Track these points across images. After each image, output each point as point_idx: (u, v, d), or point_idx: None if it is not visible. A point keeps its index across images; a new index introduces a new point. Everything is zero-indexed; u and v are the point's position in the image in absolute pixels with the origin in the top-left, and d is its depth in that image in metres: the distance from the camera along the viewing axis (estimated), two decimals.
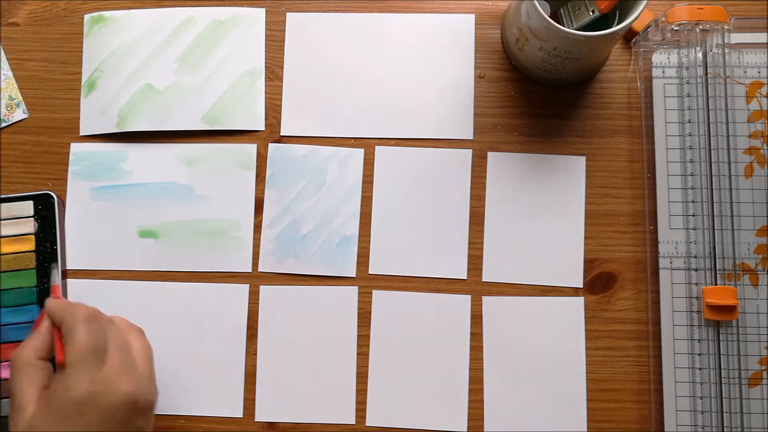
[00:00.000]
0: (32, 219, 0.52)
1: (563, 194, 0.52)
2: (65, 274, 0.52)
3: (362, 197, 0.52)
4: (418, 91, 0.53)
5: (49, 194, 0.52)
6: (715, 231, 0.49)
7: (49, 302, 0.44)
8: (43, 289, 0.51)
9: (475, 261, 0.51)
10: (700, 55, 0.51)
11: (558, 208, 0.52)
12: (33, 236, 0.51)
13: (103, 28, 0.54)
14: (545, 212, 0.52)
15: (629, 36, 0.52)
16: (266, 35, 0.54)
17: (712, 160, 0.50)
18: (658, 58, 0.52)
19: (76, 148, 0.53)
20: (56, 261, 0.50)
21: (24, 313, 0.50)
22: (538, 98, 0.53)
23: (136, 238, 0.52)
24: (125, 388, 0.40)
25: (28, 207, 0.52)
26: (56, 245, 0.51)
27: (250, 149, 0.53)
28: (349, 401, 0.50)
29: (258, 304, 0.52)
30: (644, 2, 0.44)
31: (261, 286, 0.52)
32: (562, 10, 0.49)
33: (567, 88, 0.53)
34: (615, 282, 0.51)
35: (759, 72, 0.51)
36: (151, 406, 0.42)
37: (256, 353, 0.51)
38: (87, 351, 0.40)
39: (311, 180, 0.53)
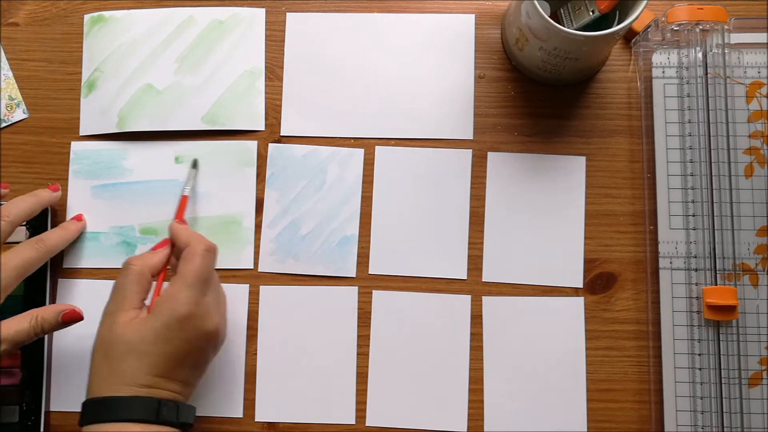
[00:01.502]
0: (24, 228, 0.51)
1: (563, 194, 0.52)
2: (60, 274, 0.52)
3: (362, 197, 0.52)
4: (418, 91, 0.53)
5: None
6: (715, 231, 0.49)
7: (179, 228, 0.48)
8: (31, 299, 0.50)
9: (475, 261, 0.51)
10: (700, 55, 0.51)
11: (558, 208, 0.52)
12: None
13: (103, 28, 0.54)
14: (545, 212, 0.52)
15: (629, 36, 0.52)
16: (266, 35, 0.54)
17: (712, 160, 0.50)
18: (658, 58, 0.52)
19: (76, 146, 0.53)
20: (195, 166, 0.52)
21: None
22: (538, 98, 0.53)
23: (137, 236, 0.52)
24: (216, 321, 0.44)
25: None
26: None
27: (251, 146, 0.53)
28: (349, 401, 0.50)
29: (258, 304, 0.52)
30: (644, 2, 0.44)
31: (261, 286, 0.52)
32: (562, 10, 0.49)
33: (567, 88, 0.53)
34: (615, 282, 0.51)
35: (759, 72, 0.51)
36: (222, 345, 0.47)
37: (256, 353, 0.51)
38: (199, 277, 0.44)
39: (311, 180, 0.53)
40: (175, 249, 0.47)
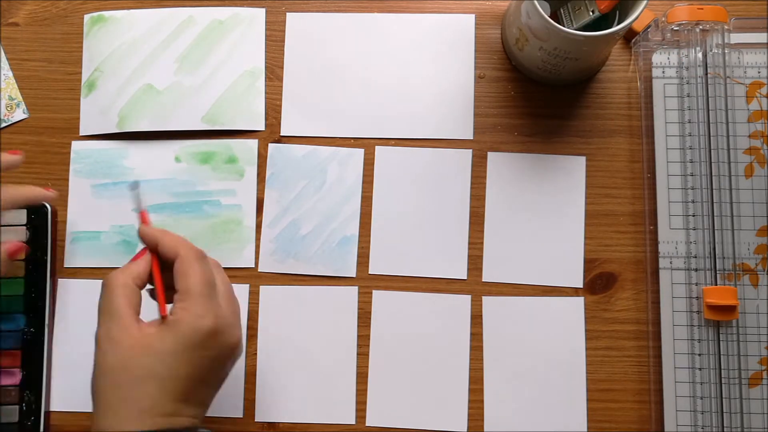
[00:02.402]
0: (24, 227, 0.51)
1: (563, 194, 0.52)
2: (57, 274, 0.52)
3: (362, 197, 0.52)
4: (418, 91, 0.53)
5: (43, 204, 0.52)
6: (715, 231, 0.49)
7: (148, 231, 0.42)
8: (31, 299, 0.51)
9: (475, 261, 0.51)
10: (700, 55, 0.51)
11: (558, 208, 0.52)
12: (24, 245, 0.51)
13: (103, 28, 0.54)
14: (545, 212, 0.52)
15: (629, 36, 0.52)
16: (266, 35, 0.54)
17: (712, 160, 0.50)
18: (658, 58, 0.52)
19: (77, 145, 0.53)
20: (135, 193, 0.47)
21: (11, 321, 0.50)
22: (538, 98, 0.53)
23: (137, 235, 0.52)
24: (238, 333, 0.41)
25: (21, 215, 0.52)
26: (47, 255, 0.51)
27: (251, 144, 0.53)
28: (349, 401, 0.50)
29: (258, 304, 0.52)
30: (644, 2, 0.44)
31: (261, 286, 0.52)
32: (562, 10, 0.49)
33: (567, 88, 0.53)
34: (615, 282, 0.51)
35: (759, 72, 0.51)
36: (239, 357, 0.42)
37: (256, 353, 0.51)
38: (206, 283, 0.39)
39: (311, 180, 0.53)
40: (159, 255, 0.42)
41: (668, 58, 0.51)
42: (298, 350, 0.51)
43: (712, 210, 0.49)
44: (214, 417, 0.50)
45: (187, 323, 0.38)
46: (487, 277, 0.51)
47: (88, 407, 0.50)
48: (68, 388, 0.51)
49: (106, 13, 0.55)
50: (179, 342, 0.37)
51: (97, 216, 0.53)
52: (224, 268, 0.51)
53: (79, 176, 0.53)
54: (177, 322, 0.38)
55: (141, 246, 0.43)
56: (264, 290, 0.52)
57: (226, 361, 0.40)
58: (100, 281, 0.51)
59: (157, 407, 0.37)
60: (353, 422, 0.50)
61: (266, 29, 0.54)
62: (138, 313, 0.40)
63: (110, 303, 0.39)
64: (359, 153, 0.53)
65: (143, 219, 0.44)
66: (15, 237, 0.51)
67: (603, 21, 0.48)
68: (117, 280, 0.40)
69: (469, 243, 0.52)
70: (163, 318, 0.39)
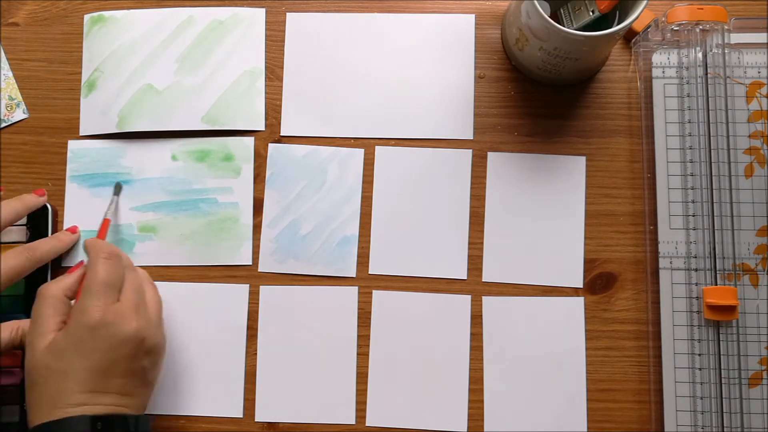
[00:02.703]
0: (24, 228, 0.51)
1: (563, 194, 0.52)
2: (60, 274, 0.52)
3: (362, 197, 0.52)
4: (418, 91, 0.53)
5: (43, 204, 0.52)
6: (715, 231, 0.49)
7: (87, 240, 0.46)
8: (31, 298, 0.50)
9: (475, 261, 0.51)
10: (700, 55, 0.51)
11: (558, 208, 0.52)
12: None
13: (103, 28, 0.54)
14: (545, 212, 0.52)
15: (629, 36, 0.52)
16: (266, 35, 0.54)
17: (712, 160, 0.50)
18: (658, 58, 0.52)
19: (73, 145, 0.53)
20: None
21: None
22: (538, 98, 0.53)
23: (135, 234, 0.52)
24: (134, 325, 0.42)
25: None
26: None
27: (248, 142, 0.53)
28: (349, 401, 0.50)
29: (258, 304, 0.52)
30: (644, 2, 0.44)
31: (261, 286, 0.52)
32: (562, 10, 0.49)
33: (567, 88, 0.53)
34: (615, 282, 0.51)
35: (759, 72, 0.51)
36: (157, 349, 0.45)
37: (256, 353, 0.51)
38: (103, 283, 0.43)
39: (311, 180, 0.53)
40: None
41: (668, 58, 0.51)
42: (298, 350, 0.51)
43: (712, 210, 0.49)
44: (214, 417, 0.50)
45: (73, 319, 0.42)
46: (487, 277, 0.51)
47: None
48: None
49: (106, 13, 0.55)
50: (69, 338, 0.41)
51: (94, 215, 0.53)
52: (222, 266, 0.52)
53: (76, 176, 0.53)
54: (70, 317, 0.42)
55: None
56: (264, 290, 0.52)
57: (128, 352, 0.42)
58: None
59: (66, 399, 0.40)
60: (353, 422, 0.50)
61: (266, 29, 0.54)
62: (64, 320, 0.43)
63: (37, 312, 0.43)
64: (359, 153, 0.53)
65: (102, 228, 0.49)
66: (15, 237, 0.51)
67: (603, 21, 0.48)
68: (48, 291, 0.44)
69: (469, 243, 0.52)
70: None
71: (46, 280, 0.51)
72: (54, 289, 0.44)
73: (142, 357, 0.43)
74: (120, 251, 0.46)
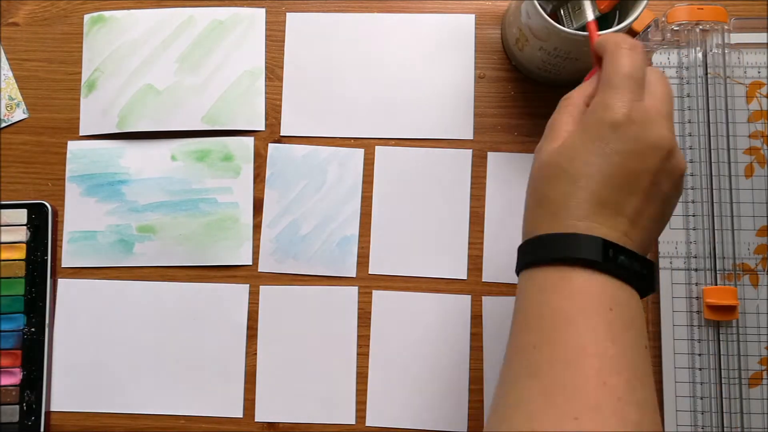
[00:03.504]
0: (25, 227, 0.51)
1: None
2: (57, 274, 0.52)
3: (362, 197, 0.52)
4: (418, 91, 0.53)
5: (43, 204, 0.52)
6: (715, 231, 0.49)
7: (600, 38, 0.39)
8: (31, 299, 0.51)
9: (475, 261, 0.51)
10: (700, 55, 0.51)
11: None
12: (24, 245, 0.51)
13: (103, 28, 0.54)
14: None
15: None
16: (266, 35, 0.54)
17: (712, 160, 0.50)
18: (658, 58, 0.52)
19: (73, 145, 0.53)
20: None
21: (11, 321, 0.50)
22: (538, 98, 0.53)
23: (134, 234, 0.52)
24: (665, 132, 0.35)
25: (21, 215, 0.52)
26: (47, 255, 0.51)
27: (247, 142, 0.53)
28: (349, 401, 0.50)
29: (258, 304, 0.52)
30: (644, 2, 0.44)
31: (261, 286, 0.52)
32: (562, 10, 0.49)
33: (567, 88, 0.53)
34: None
35: (759, 72, 0.51)
36: (681, 176, 0.36)
37: (256, 353, 0.51)
38: (629, 76, 0.35)
39: (311, 180, 0.53)
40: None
41: (668, 58, 0.51)
42: (298, 350, 0.51)
43: (712, 210, 0.49)
44: (214, 417, 0.50)
45: (593, 115, 0.35)
46: (487, 277, 0.51)
47: (88, 407, 0.51)
48: (68, 388, 0.51)
49: (106, 13, 0.55)
50: (586, 134, 0.34)
51: (94, 215, 0.53)
52: (222, 266, 0.52)
53: (75, 176, 0.53)
54: (585, 114, 0.35)
55: None
56: (264, 290, 0.52)
57: (650, 165, 0.34)
58: (100, 281, 0.52)
59: (572, 209, 0.34)
60: (353, 422, 0.50)
61: (266, 29, 0.54)
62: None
63: (554, 121, 0.37)
64: (359, 153, 0.53)
65: (591, 29, 0.42)
66: (16, 237, 0.51)
67: (603, 21, 0.48)
68: (569, 100, 0.38)
69: (469, 243, 0.52)
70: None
71: (45, 281, 0.51)
72: (575, 96, 0.38)
73: (666, 178, 0.35)
74: (639, 43, 0.37)
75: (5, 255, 0.51)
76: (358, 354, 0.51)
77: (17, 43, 0.55)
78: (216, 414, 0.51)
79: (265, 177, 0.53)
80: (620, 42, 0.37)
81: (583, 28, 0.48)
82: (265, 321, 0.51)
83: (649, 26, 0.51)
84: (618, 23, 0.46)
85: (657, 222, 0.36)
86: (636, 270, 0.33)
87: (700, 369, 0.48)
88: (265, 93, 0.54)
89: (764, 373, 0.48)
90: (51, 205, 0.52)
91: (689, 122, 0.50)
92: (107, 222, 0.53)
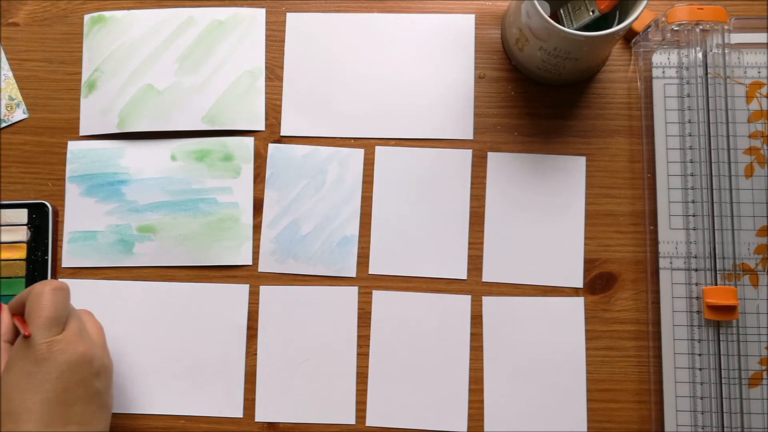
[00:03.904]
0: (26, 227, 0.51)
1: (563, 194, 0.52)
2: (57, 274, 0.52)
3: (362, 197, 0.52)
4: (418, 91, 0.53)
5: (44, 204, 0.52)
6: (715, 231, 0.49)
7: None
8: None
9: (475, 261, 0.51)
10: (700, 55, 0.51)
11: (558, 208, 0.52)
12: (25, 245, 0.51)
13: (103, 28, 0.54)
14: (545, 212, 0.52)
15: (629, 36, 0.52)
16: (266, 35, 0.54)
17: (712, 160, 0.50)
18: (658, 58, 0.52)
19: (73, 146, 0.54)
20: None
21: None
22: (538, 98, 0.53)
23: (134, 234, 0.52)
24: (80, 348, 0.41)
25: (22, 215, 0.52)
26: (47, 255, 0.51)
27: (248, 142, 0.53)
28: (349, 401, 0.50)
29: (258, 304, 0.52)
30: (644, 2, 0.44)
31: (261, 286, 0.52)
32: (562, 10, 0.49)
33: (567, 88, 0.53)
34: (615, 282, 0.51)
35: (759, 72, 0.51)
36: (107, 371, 0.44)
37: (256, 353, 0.51)
38: (50, 319, 0.41)
39: (311, 180, 0.53)
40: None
41: (668, 58, 0.51)
42: (298, 350, 0.51)
43: (712, 210, 0.49)
44: (214, 417, 0.50)
45: (20, 356, 0.41)
46: (487, 277, 0.51)
47: None
48: None
49: (106, 14, 0.55)
50: (17, 372, 0.40)
51: (94, 215, 0.53)
52: (222, 266, 0.52)
53: (75, 176, 0.53)
54: (12, 357, 0.41)
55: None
56: (264, 290, 0.52)
57: (81, 377, 0.41)
58: (100, 281, 0.52)
59: None
60: (353, 422, 0.50)
61: (266, 29, 0.54)
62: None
63: None
64: (359, 153, 0.53)
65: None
66: (16, 237, 0.51)
67: (603, 21, 0.48)
68: None
69: (469, 243, 0.52)
70: (26, 336, 0.41)
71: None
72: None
73: (93, 379, 0.42)
74: (66, 285, 0.44)
75: (6, 255, 0.51)
76: (358, 354, 0.51)
77: (17, 43, 0.55)
78: (216, 414, 0.51)
79: (265, 177, 0.53)
80: (44, 283, 0.43)
81: (583, 28, 0.48)
82: (265, 321, 0.51)
83: (649, 26, 0.51)
84: (618, 23, 0.46)
85: (103, 411, 0.43)
86: None
87: (700, 369, 0.48)
88: (265, 93, 0.54)
89: (764, 373, 0.48)
90: (51, 205, 0.52)
91: (689, 122, 0.50)
92: (107, 222, 0.53)
